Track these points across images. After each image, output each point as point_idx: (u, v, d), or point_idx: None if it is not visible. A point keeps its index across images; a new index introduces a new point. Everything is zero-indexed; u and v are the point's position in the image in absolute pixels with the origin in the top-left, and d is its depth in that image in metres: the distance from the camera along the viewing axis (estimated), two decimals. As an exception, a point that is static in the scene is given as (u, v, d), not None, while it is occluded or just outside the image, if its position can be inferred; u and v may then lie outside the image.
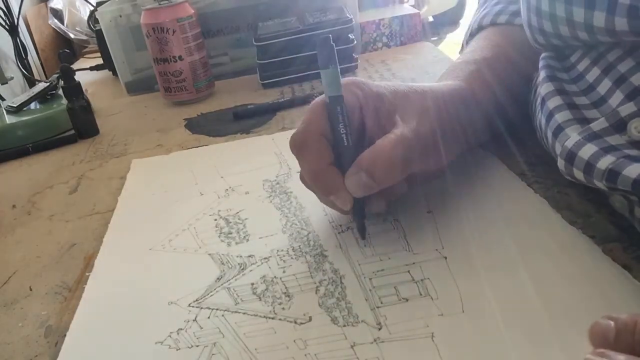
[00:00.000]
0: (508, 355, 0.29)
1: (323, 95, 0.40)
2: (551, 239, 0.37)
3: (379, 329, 0.33)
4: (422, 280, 0.36)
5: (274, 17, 0.86)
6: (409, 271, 0.37)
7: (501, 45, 0.49)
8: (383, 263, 0.38)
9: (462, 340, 0.31)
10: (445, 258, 0.37)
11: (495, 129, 0.47)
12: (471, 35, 0.56)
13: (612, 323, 0.26)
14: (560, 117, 0.37)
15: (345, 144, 0.38)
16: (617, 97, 0.34)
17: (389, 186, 0.38)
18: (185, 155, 0.63)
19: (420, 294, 0.35)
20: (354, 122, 0.39)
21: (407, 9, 0.94)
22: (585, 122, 0.35)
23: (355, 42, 0.80)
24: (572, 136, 0.35)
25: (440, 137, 0.39)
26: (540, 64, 0.42)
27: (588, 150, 0.33)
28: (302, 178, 0.42)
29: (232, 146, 0.63)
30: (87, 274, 0.43)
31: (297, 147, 0.39)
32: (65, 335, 0.37)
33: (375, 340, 0.32)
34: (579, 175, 0.34)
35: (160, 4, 0.76)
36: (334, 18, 0.79)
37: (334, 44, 0.38)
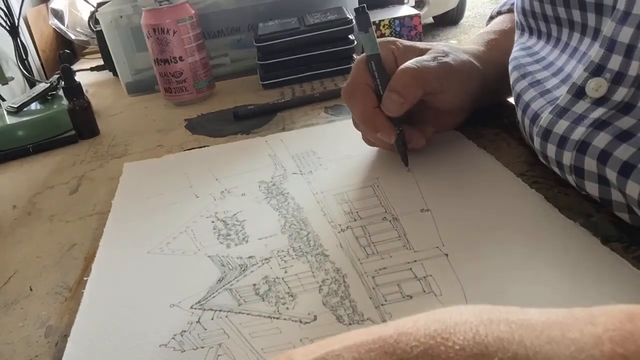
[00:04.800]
0: None
1: (363, 54, 0.48)
2: (549, 232, 0.38)
3: None
4: (424, 277, 0.36)
5: (274, 18, 0.86)
6: (411, 269, 0.37)
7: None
8: (385, 261, 0.38)
9: None
10: (447, 255, 0.38)
11: (505, 89, 0.50)
12: (491, 18, 0.62)
13: None
14: (535, 105, 0.41)
15: (382, 91, 0.47)
16: (579, 71, 0.38)
17: (423, 124, 0.48)
18: (178, 158, 0.62)
19: (424, 291, 0.35)
20: (391, 69, 0.47)
21: (407, 10, 0.94)
22: (555, 100, 0.39)
23: (355, 42, 0.80)
24: (545, 116, 0.39)
25: (455, 71, 0.47)
26: (511, 65, 0.46)
27: (561, 126, 0.37)
28: (354, 122, 0.51)
29: (225, 148, 0.62)
30: (85, 278, 0.43)
31: (347, 96, 0.48)
32: (65, 335, 0.37)
33: None
34: (551, 151, 0.38)
35: (160, 5, 0.76)
36: (334, 19, 0.79)
37: (368, 12, 0.48)
